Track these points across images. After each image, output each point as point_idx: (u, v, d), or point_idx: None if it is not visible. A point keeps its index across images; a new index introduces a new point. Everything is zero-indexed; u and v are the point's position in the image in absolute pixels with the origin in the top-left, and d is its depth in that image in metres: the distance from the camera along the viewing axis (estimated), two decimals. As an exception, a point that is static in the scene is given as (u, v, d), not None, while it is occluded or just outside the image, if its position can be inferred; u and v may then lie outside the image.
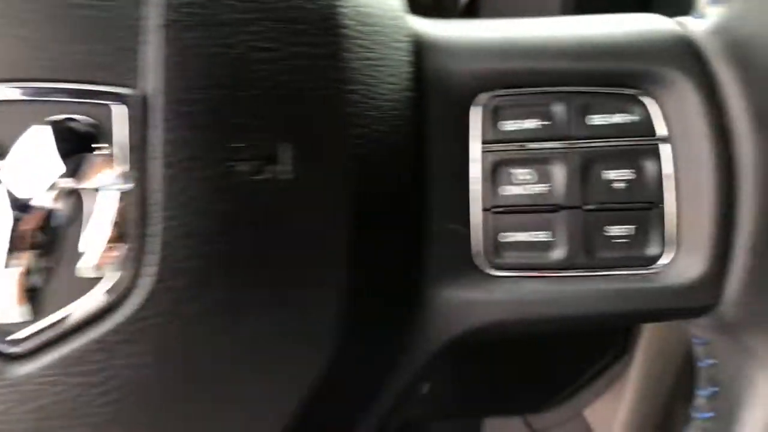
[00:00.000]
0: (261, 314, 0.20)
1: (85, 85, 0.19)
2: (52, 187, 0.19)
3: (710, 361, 0.25)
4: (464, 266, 0.24)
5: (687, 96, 0.23)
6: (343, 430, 0.24)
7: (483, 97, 0.24)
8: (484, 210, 0.24)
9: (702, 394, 0.25)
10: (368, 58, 0.22)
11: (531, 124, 0.24)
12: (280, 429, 0.21)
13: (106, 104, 0.19)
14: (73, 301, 0.19)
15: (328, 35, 0.21)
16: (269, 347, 0.21)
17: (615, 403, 0.63)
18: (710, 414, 0.24)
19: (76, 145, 0.20)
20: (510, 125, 0.24)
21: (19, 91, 0.19)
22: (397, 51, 0.23)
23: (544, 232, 0.24)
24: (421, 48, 0.24)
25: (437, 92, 0.23)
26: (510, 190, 0.24)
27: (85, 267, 0.19)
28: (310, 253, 0.21)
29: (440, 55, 0.24)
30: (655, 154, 0.23)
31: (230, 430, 0.21)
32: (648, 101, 0.23)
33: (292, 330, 0.21)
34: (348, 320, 0.21)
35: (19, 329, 0.19)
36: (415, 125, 0.23)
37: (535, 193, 0.24)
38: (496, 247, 0.24)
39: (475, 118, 0.24)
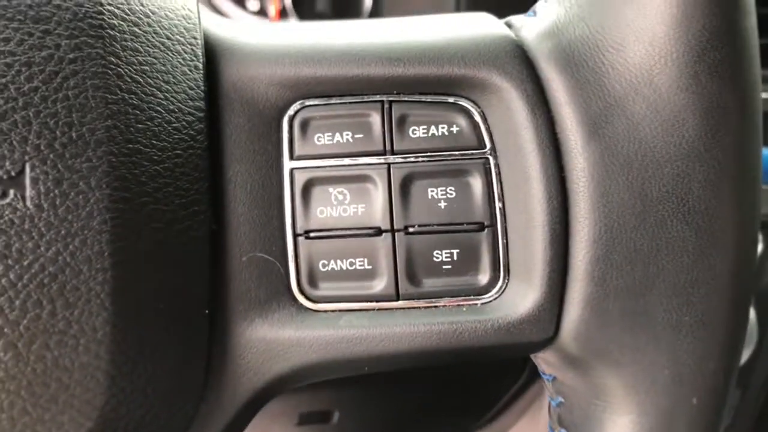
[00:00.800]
0: (3, 377, 0.17)
1: None
2: None
3: (559, 400, 0.22)
4: (276, 301, 0.21)
5: (513, 104, 0.20)
6: None
7: (292, 108, 0.21)
8: (297, 235, 0.21)
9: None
10: (140, 62, 0.19)
11: (345, 137, 0.21)
12: None
13: None
14: None
15: (84, 36, 0.18)
16: (17, 413, 0.17)
17: (536, 421, 0.61)
18: (560, 459, 0.22)
19: None
20: (322, 139, 0.21)
21: None
22: (183, 55, 0.20)
23: (365, 258, 0.21)
24: (216, 53, 0.21)
25: (237, 103, 0.20)
26: (326, 212, 0.21)
27: None
28: (58, 297, 0.17)
29: (240, 60, 0.21)
30: (484, 169, 0.21)
31: None
32: (473, 110, 0.21)
33: (36, 393, 0.17)
34: (107, 386, 0.18)
35: None
36: (210, 141, 0.20)
37: (352, 215, 0.21)
38: (312, 278, 0.21)
39: (285, 131, 0.21)
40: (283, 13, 0.61)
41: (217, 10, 0.60)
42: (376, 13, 0.61)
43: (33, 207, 0.17)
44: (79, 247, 0.17)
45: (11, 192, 0.17)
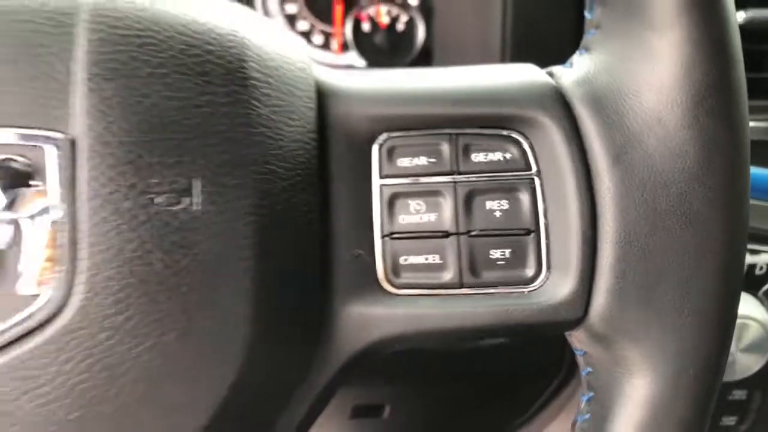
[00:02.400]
0: (176, 328, 0.23)
1: (22, 129, 0.23)
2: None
3: (588, 370, 0.28)
4: (368, 286, 0.27)
5: (554, 137, 0.26)
6: None
7: (381, 137, 0.27)
8: (384, 236, 0.27)
9: (583, 399, 0.28)
10: (273, 105, 0.25)
11: (422, 161, 0.27)
12: (210, 404, 0.24)
13: (41, 147, 0.23)
14: (13, 315, 0.23)
15: (234, 85, 0.24)
16: (184, 358, 0.24)
17: (569, 421, 0.66)
18: (587, 416, 0.27)
19: (14, 182, 0.23)
20: (404, 162, 0.27)
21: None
22: (301, 98, 0.26)
23: (437, 255, 0.27)
24: (324, 95, 0.27)
25: (340, 134, 0.27)
26: (406, 219, 0.27)
27: (23, 286, 0.23)
28: (216, 278, 0.24)
29: (342, 101, 0.27)
30: (530, 187, 0.27)
31: (151, 429, 0.24)
32: (522, 141, 0.27)
33: (203, 344, 0.24)
34: (252, 340, 0.24)
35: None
36: (320, 163, 0.26)
37: (427, 222, 0.27)
38: (395, 269, 0.27)
39: (375, 156, 0.27)
40: (345, 47, 0.68)
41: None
42: (427, 47, 0.68)
43: (200, 211, 0.24)
44: (230, 240, 0.24)
45: (184, 200, 0.24)
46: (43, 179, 0.23)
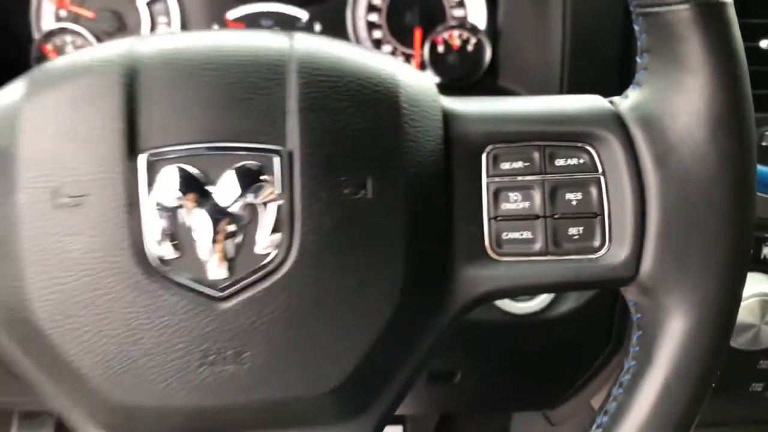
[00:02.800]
0: (356, 276, 0.35)
1: (255, 144, 0.34)
2: (239, 201, 0.34)
3: (638, 315, 0.38)
4: (479, 254, 0.38)
5: (614, 148, 0.37)
6: (391, 371, 0.38)
7: (488, 148, 0.38)
8: (490, 218, 0.38)
9: (634, 337, 0.38)
10: (416, 126, 0.36)
11: (518, 164, 0.38)
12: (361, 351, 0.35)
13: (269, 156, 0.34)
14: (253, 267, 0.34)
15: (392, 113, 0.36)
16: (360, 295, 0.35)
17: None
18: (637, 348, 0.38)
19: (251, 179, 0.34)
20: (505, 165, 0.38)
21: (219, 148, 0.34)
22: (433, 120, 0.37)
23: (529, 232, 0.38)
24: (448, 117, 0.38)
25: (459, 146, 0.38)
26: (506, 206, 0.38)
27: (259, 248, 0.34)
28: (381, 242, 0.35)
29: (460, 122, 0.38)
30: (597, 183, 0.37)
31: (328, 348, 0.35)
32: (592, 150, 0.37)
33: (372, 287, 0.35)
34: (403, 285, 0.35)
35: (221, 283, 0.34)
36: (446, 166, 0.37)
37: (522, 208, 0.38)
38: (498, 242, 0.38)
39: (484, 161, 0.38)
40: (422, 66, 0.79)
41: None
42: (493, 65, 0.79)
43: (371, 199, 0.35)
44: (391, 218, 0.35)
45: (361, 191, 0.35)
46: (272, 178, 0.34)
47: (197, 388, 0.34)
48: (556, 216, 0.38)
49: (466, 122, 0.38)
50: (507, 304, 0.67)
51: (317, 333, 0.35)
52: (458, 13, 0.79)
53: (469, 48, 0.78)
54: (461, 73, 0.78)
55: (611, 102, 0.39)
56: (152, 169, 0.34)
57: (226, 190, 0.34)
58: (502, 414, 0.97)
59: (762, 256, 0.63)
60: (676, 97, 0.36)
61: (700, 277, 0.36)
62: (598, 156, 0.37)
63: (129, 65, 0.35)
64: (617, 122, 0.37)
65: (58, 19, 0.77)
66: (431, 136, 0.37)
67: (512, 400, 0.84)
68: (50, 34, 0.75)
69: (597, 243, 0.37)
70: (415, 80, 0.39)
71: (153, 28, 0.77)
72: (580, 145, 0.38)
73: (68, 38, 0.75)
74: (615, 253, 0.37)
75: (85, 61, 0.36)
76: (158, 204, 0.34)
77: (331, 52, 0.37)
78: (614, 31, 0.66)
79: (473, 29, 0.78)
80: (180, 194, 0.34)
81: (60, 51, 0.75)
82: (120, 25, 0.75)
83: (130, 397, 0.35)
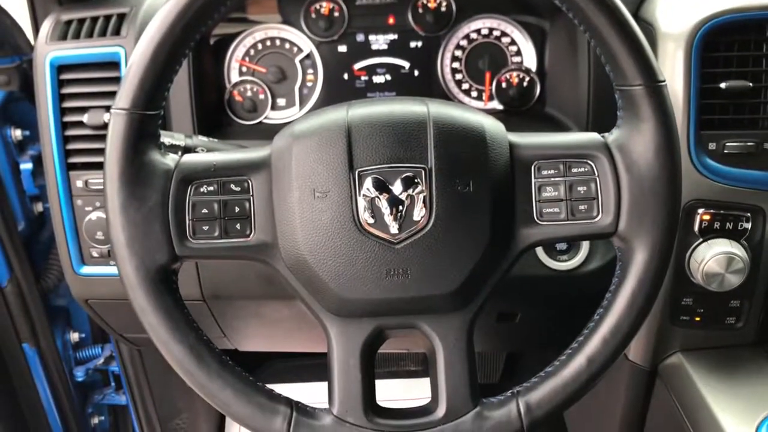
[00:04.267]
0: (464, 231, 0.67)
1: (412, 164, 0.67)
2: (404, 193, 0.66)
3: (619, 254, 0.69)
4: (530, 220, 0.69)
5: (604, 162, 0.68)
6: (484, 280, 0.70)
7: (535, 163, 0.69)
8: (536, 201, 0.69)
9: (617, 266, 0.69)
10: (495, 152, 0.68)
11: (551, 172, 0.69)
12: (468, 268, 0.67)
13: (419, 170, 0.66)
14: (411, 227, 0.66)
15: (482, 145, 0.67)
16: (468, 240, 0.67)
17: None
18: (618, 271, 0.69)
19: (411, 182, 0.67)
20: (544, 172, 0.69)
21: (394, 167, 0.67)
22: (504, 148, 0.69)
23: (556, 208, 0.69)
24: (512, 146, 0.70)
25: (519, 162, 0.69)
26: (544, 195, 0.69)
27: (415, 216, 0.66)
28: (477, 218, 0.67)
29: (519, 148, 0.69)
30: (595, 181, 0.68)
31: (451, 267, 0.67)
32: (592, 163, 0.68)
33: (473, 236, 0.67)
34: (490, 236, 0.67)
35: (396, 236, 0.66)
36: (511, 174, 0.69)
37: (553, 196, 0.69)
38: (540, 214, 0.69)
39: (532, 170, 0.69)
40: (490, 98, 1.10)
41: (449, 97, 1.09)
42: (542, 97, 1.09)
43: (472, 192, 0.67)
44: (483, 204, 0.67)
45: (467, 187, 0.67)
46: (421, 181, 0.66)
47: (383, 288, 0.67)
48: (572, 200, 0.69)
49: (523, 148, 0.70)
50: (551, 263, 0.98)
51: (446, 259, 0.67)
52: (516, 59, 1.06)
53: (524, 84, 1.05)
54: (518, 103, 1.05)
55: (603, 136, 0.70)
56: (361, 178, 0.67)
57: (398, 188, 0.67)
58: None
59: (726, 227, 0.92)
60: (636, 135, 0.66)
61: (650, 230, 0.66)
62: (595, 166, 0.68)
63: (346, 124, 0.68)
64: (605, 148, 0.68)
65: (241, 73, 1.09)
66: (503, 157, 0.69)
67: (557, 337, 1.14)
68: (236, 84, 1.10)
69: (594, 214, 0.68)
70: (494, 125, 0.70)
71: (304, 77, 1.10)
72: (585, 160, 0.69)
73: (248, 86, 1.09)
74: (604, 219, 0.68)
75: (323, 122, 0.69)
76: (364, 196, 0.67)
77: (450, 113, 0.69)
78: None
79: (527, 71, 1.04)
80: (375, 191, 0.67)
81: (242, 95, 1.10)
82: (282, 76, 1.09)
83: (348, 294, 0.67)
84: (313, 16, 1.06)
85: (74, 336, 1.46)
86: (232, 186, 0.68)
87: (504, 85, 1.07)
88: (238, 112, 1.09)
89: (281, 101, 1.09)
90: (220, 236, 0.67)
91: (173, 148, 0.82)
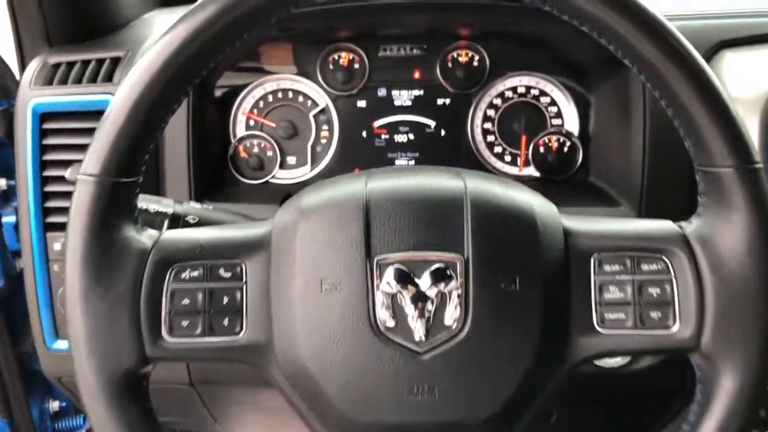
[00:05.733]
0: (506, 342, 0.53)
1: (444, 252, 0.54)
2: (433, 289, 0.54)
3: (699, 374, 0.55)
4: (589, 327, 0.56)
5: (682, 259, 0.54)
6: (528, 404, 0.56)
7: (595, 255, 0.56)
8: (596, 304, 0.56)
9: (697, 390, 0.55)
10: (546, 239, 0.55)
11: (616, 267, 0.56)
12: (509, 391, 0.54)
13: (453, 261, 0.54)
14: (441, 333, 0.53)
15: (530, 232, 0.55)
16: (510, 355, 0.53)
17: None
18: (699, 396, 0.55)
19: (442, 275, 0.54)
20: (607, 268, 0.56)
21: (414, 256, 0.54)
22: (557, 235, 0.56)
23: (623, 314, 0.55)
24: (567, 232, 0.57)
25: (575, 253, 0.56)
26: (607, 296, 0.56)
27: (447, 320, 0.53)
28: (524, 319, 0.54)
29: (576, 236, 0.57)
30: (671, 283, 0.55)
31: (488, 387, 0.54)
32: (667, 260, 0.55)
33: (517, 349, 0.54)
34: (537, 349, 0.54)
35: (422, 344, 0.53)
36: (566, 267, 0.56)
37: (618, 298, 0.56)
38: (602, 320, 0.56)
39: (592, 264, 0.56)
40: (526, 163, 0.98)
41: (484, 167, 0.97)
42: (584, 164, 0.97)
43: (517, 290, 0.54)
44: (531, 304, 0.54)
45: (513, 285, 0.54)
46: (455, 275, 0.54)
47: (403, 410, 0.53)
48: (641, 304, 0.55)
49: (580, 237, 0.57)
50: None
51: (482, 378, 0.54)
52: (556, 122, 0.96)
53: (565, 149, 0.95)
54: (557, 170, 0.94)
55: (680, 226, 0.57)
56: (380, 268, 0.54)
57: (426, 282, 0.54)
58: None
59: None
60: (724, 227, 0.53)
61: (741, 349, 0.53)
62: (671, 264, 0.55)
63: (364, 200, 0.55)
64: (684, 241, 0.55)
65: (248, 127, 0.98)
66: (556, 246, 0.56)
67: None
68: (242, 138, 0.98)
69: (670, 323, 0.55)
70: (545, 206, 0.58)
71: (318, 134, 0.99)
72: (658, 256, 0.56)
73: (255, 141, 0.98)
74: (683, 330, 0.54)
75: (337, 195, 0.57)
76: (384, 291, 0.54)
77: (491, 189, 0.56)
78: (679, 161, 0.83)
79: (568, 134, 0.95)
80: (397, 285, 0.54)
81: (248, 151, 0.98)
82: (294, 132, 0.97)
83: (358, 415, 0.54)
84: (331, 67, 0.95)
85: (54, 405, 1.32)
86: (222, 271, 0.55)
87: (542, 149, 0.96)
88: (242, 169, 0.98)
89: (291, 159, 0.98)
90: (202, 333, 0.54)
91: (158, 216, 0.70)
